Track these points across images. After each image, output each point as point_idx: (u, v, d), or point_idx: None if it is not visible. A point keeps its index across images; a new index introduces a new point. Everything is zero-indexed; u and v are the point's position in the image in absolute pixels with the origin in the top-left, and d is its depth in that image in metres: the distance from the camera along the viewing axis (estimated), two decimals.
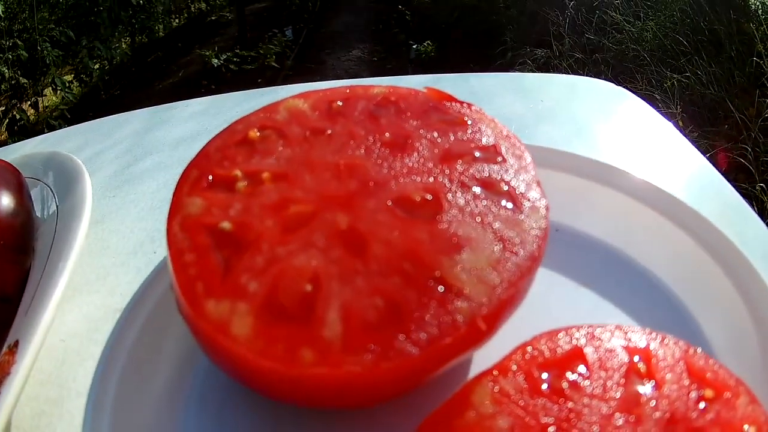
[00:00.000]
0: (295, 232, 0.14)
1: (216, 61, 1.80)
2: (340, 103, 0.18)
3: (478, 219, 0.14)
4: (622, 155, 0.29)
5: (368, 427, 0.14)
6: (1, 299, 0.22)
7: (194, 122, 0.36)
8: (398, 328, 0.11)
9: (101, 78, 1.80)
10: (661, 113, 0.32)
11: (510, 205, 0.14)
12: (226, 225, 0.14)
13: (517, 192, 0.15)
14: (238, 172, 0.16)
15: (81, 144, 0.37)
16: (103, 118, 0.40)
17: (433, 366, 0.12)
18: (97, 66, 1.86)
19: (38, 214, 0.26)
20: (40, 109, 1.64)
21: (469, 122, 0.17)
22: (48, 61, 1.67)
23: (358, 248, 0.13)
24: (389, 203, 0.14)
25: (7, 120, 1.48)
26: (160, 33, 2.35)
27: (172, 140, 0.35)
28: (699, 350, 0.14)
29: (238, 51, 1.89)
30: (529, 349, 0.14)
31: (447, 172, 0.15)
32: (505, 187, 0.15)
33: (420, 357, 0.11)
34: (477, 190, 0.15)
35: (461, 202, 0.14)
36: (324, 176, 0.15)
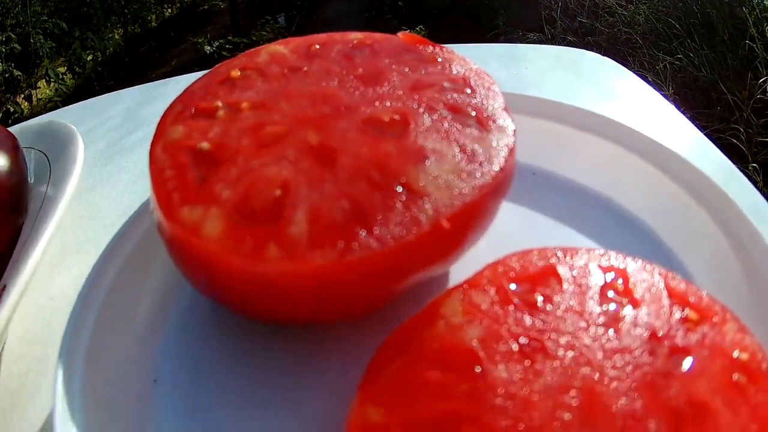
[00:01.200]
0: (269, 147, 0.15)
1: (209, 48, 1.80)
2: (317, 47, 0.19)
3: (445, 136, 0.15)
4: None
5: (342, 345, 0.15)
6: None
7: None
8: (362, 226, 0.12)
9: (94, 69, 1.81)
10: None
11: (476, 125, 0.15)
12: (204, 145, 0.15)
13: (484, 115, 0.16)
14: (219, 103, 0.17)
15: (74, 121, 0.38)
16: (96, 97, 0.40)
17: (398, 266, 0.13)
18: (90, 57, 1.86)
19: (33, 177, 0.27)
20: (34, 102, 1.65)
21: (440, 59, 0.18)
22: (41, 54, 1.67)
23: (327, 160, 0.14)
24: (359, 123, 0.15)
25: (1, 114, 1.48)
26: (153, 23, 2.35)
27: (161, 114, 0.36)
28: (684, 279, 0.15)
29: (230, 38, 1.90)
30: (501, 265, 0.14)
31: (416, 98, 0.16)
32: (473, 112, 0.16)
33: (383, 254, 0.12)
34: (445, 112, 0.15)
35: (428, 122, 0.15)
36: (299, 103, 0.16)
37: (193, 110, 0.17)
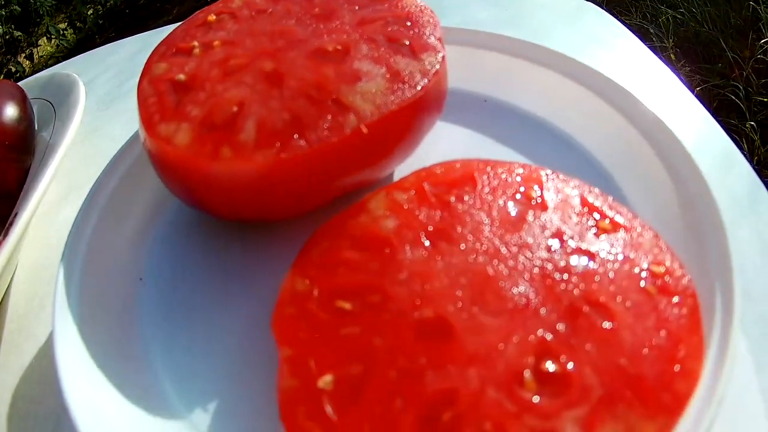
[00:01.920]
0: (231, 75, 0.18)
1: None
2: None
3: (378, 61, 0.18)
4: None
5: (293, 238, 0.19)
6: (3, 194, 0.28)
7: None
8: (297, 132, 0.16)
9: (95, 22, 1.83)
10: (649, 48, 0.33)
11: (408, 53, 0.18)
12: (180, 76, 0.19)
13: (417, 45, 0.19)
14: (195, 43, 0.21)
15: (77, 72, 0.42)
16: (96, 49, 0.44)
17: (327, 166, 0.16)
18: (90, 11, 1.90)
19: (38, 123, 0.31)
20: (36, 60, 1.70)
21: None
22: (41, 12, 1.72)
23: (277, 83, 0.18)
24: (307, 53, 0.18)
25: (3, 74, 1.55)
26: None
27: None
28: (602, 192, 0.17)
29: None
30: (425, 171, 0.18)
31: (360, 31, 0.19)
32: (407, 42, 0.19)
33: (312, 153, 0.16)
34: (383, 42, 0.19)
35: (365, 50, 0.18)
36: (260, 39, 0.20)
37: (174, 50, 0.21)
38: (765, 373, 0.18)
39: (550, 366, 0.13)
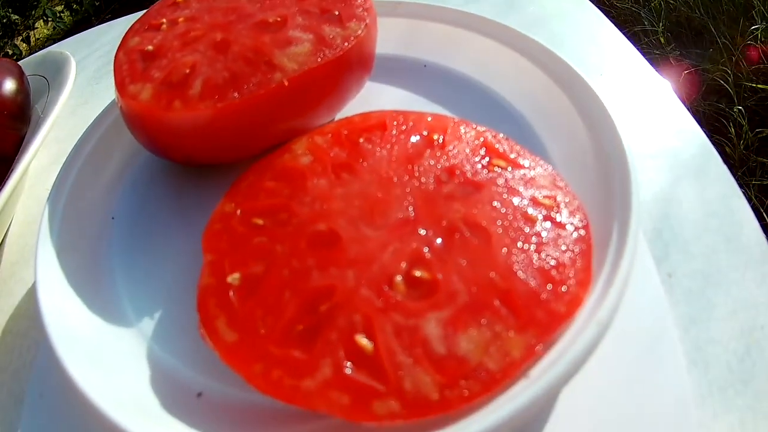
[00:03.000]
0: (188, 45, 0.23)
1: None
2: None
3: (308, 29, 0.22)
4: (539, 38, 0.34)
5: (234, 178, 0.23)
6: (2, 158, 0.34)
7: None
8: (233, 87, 0.21)
9: (92, 4, 1.95)
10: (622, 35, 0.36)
11: (337, 22, 0.23)
12: (149, 47, 0.24)
13: (345, 14, 0.23)
14: (163, 20, 0.26)
15: (70, 51, 0.49)
16: (87, 30, 0.51)
17: (259, 114, 0.21)
18: None
19: (35, 96, 0.38)
20: (32, 42, 1.82)
21: None
22: None
23: (223, 50, 0.22)
24: (252, 25, 0.23)
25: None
26: None
27: None
28: (507, 138, 0.20)
29: None
30: (345, 120, 0.22)
31: (298, 6, 0.24)
32: (337, 12, 0.23)
33: (244, 102, 0.20)
34: (316, 14, 0.23)
35: (300, 21, 0.23)
36: (215, 15, 0.25)
37: (146, 26, 0.26)
38: (699, 324, 0.20)
39: (419, 273, 0.17)
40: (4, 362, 0.25)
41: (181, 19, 0.25)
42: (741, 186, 0.26)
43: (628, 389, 0.18)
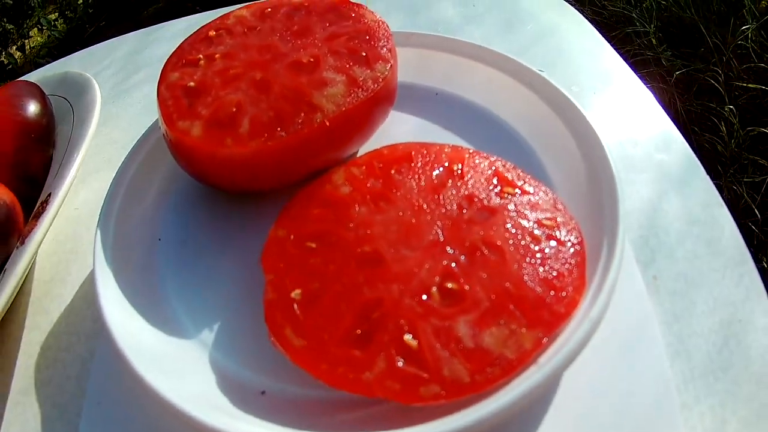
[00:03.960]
0: (230, 83, 0.28)
1: None
2: (269, 10, 0.32)
3: (340, 70, 0.27)
4: (534, 54, 0.40)
5: (278, 203, 0.28)
6: (30, 179, 0.38)
7: (178, 39, 0.50)
8: (279, 126, 0.25)
9: (85, 11, 1.99)
10: (601, 39, 0.42)
11: (364, 62, 0.28)
12: (191, 84, 0.29)
13: (372, 55, 0.28)
14: (200, 56, 0.30)
15: (80, 67, 0.52)
16: (96, 45, 0.55)
17: (303, 150, 0.26)
18: (80, 0, 2.06)
19: (57, 117, 0.41)
20: (27, 51, 1.86)
21: (353, 15, 0.30)
22: (33, 4, 1.89)
23: (265, 89, 0.27)
24: (288, 65, 0.28)
25: None
26: None
27: (161, 55, 0.50)
28: (515, 166, 0.26)
29: None
30: (375, 152, 0.27)
31: (328, 45, 0.28)
32: (364, 53, 0.28)
33: (288, 139, 0.25)
34: (345, 54, 0.28)
35: (332, 61, 0.28)
36: (251, 53, 0.29)
37: (183, 61, 0.30)
38: (681, 320, 0.25)
39: (450, 285, 0.22)
40: (48, 376, 0.29)
41: (217, 56, 0.30)
42: (733, 183, 0.31)
43: (617, 375, 0.24)
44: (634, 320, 0.26)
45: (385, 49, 0.28)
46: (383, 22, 0.30)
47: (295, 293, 0.22)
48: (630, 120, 0.35)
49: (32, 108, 0.38)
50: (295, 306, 0.22)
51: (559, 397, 0.23)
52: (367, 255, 0.23)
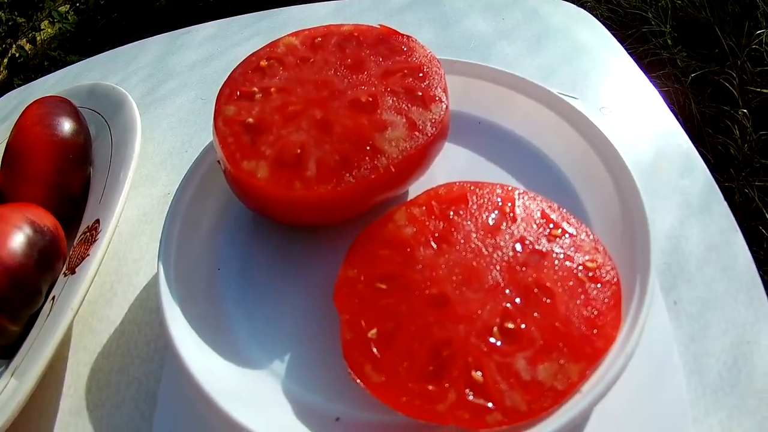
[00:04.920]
0: (291, 121, 0.30)
1: None
2: (320, 39, 0.34)
3: (399, 111, 0.30)
4: (564, 73, 0.42)
5: (341, 238, 0.31)
6: (70, 200, 0.39)
7: (207, 46, 0.52)
8: (346, 170, 0.28)
9: (96, 3, 1.96)
10: (613, 39, 0.44)
11: (421, 103, 0.30)
12: (250, 120, 0.31)
13: (427, 96, 0.30)
14: (255, 89, 0.32)
15: (103, 74, 0.53)
16: (117, 48, 0.55)
17: (367, 192, 0.29)
18: None
19: (92, 132, 0.41)
20: (38, 44, 1.88)
21: (405, 49, 0.32)
22: None
23: (327, 129, 0.30)
24: (346, 103, 0.30)
25: (6, 59, 1.70)
26: None
27: (189, 63, 0.51)
28: (559, 207, 0.29)
29: None
30: (432, 191, 0.30)
31: (384, 83, 0.31)
32: (420, 93, 0.31)
33: (356, 185, 0.28)
34: (401, 93, 0.30)
35: (390, 102, 0.30)
36: (308, 88, 0.31)
37: (238, 94, 0.32)
38: (697, 341, 0.29)
39: (509, 325, 0.26)
40: (100, 398, 0.31)
41: (273, 89, 0.32)
42: (745, 186, 0.35)
43: (639, 392, 0.28)
44: (657, 344, 0.30)
45: (439, 89, 0.31)
46: (434, 57, 0.32)
47: (372, 333, 0.26)
48: (656, 143, 0.39)
49: (67, 127, 0.39)
50: (373, 345, 0.25)
51: (593, 414, 0.28)
52: (434, 297, 0.27)
